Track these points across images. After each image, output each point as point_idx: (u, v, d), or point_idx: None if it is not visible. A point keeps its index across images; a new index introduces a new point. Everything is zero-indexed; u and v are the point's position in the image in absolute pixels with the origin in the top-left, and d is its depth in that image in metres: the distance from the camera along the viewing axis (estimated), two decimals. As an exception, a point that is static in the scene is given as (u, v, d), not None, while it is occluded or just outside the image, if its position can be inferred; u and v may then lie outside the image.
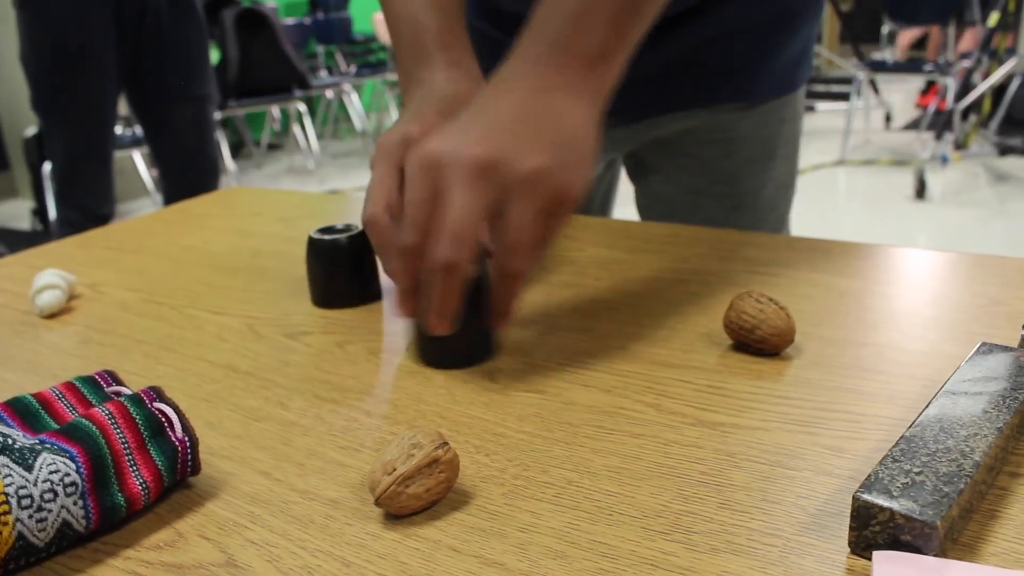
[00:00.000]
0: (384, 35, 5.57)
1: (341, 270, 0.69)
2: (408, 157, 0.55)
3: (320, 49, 6.09)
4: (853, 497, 0.36)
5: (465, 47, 0.70)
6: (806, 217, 3.81)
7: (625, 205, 1.04)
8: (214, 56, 4.53)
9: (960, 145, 4.48)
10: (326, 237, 0.69)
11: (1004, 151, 4.41)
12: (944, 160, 4.33)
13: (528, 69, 0.57)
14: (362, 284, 0.70)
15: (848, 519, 0.39)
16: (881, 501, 0.36)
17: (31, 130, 4.07)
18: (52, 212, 3.77)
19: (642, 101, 0.90)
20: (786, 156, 0.94)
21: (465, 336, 0.57)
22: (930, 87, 5.92)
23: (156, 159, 2.55)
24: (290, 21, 5.62)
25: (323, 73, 6.04)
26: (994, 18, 4.31)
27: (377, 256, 0.61)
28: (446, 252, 0.51)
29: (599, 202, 1.06)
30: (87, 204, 2.36)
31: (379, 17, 5.49)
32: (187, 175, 2.50)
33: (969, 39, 5.43)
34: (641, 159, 0.98)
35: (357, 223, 0.70)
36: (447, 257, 0.51)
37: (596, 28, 0.56)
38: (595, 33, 0.56)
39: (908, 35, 6.08)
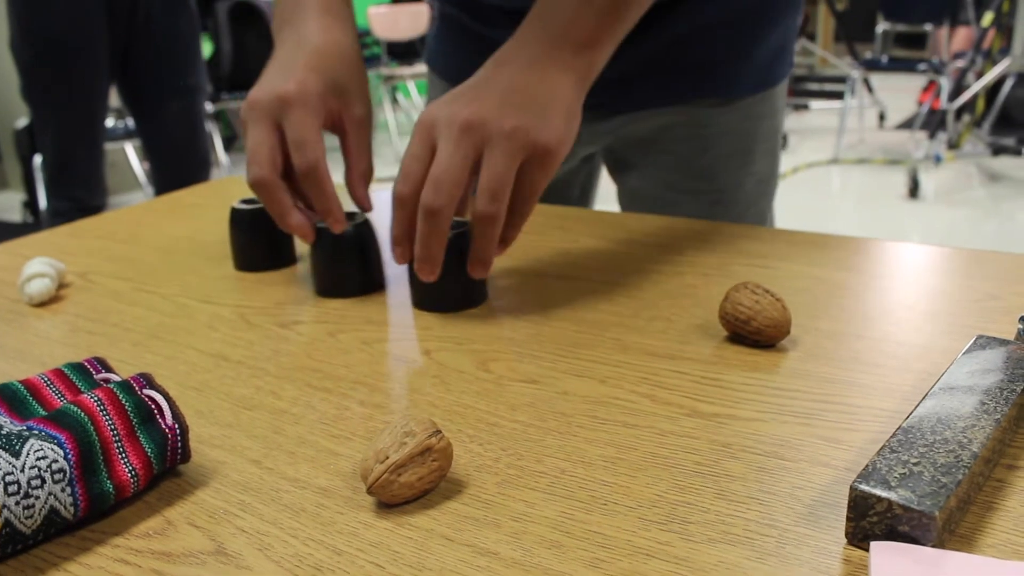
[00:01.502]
0: (379, 30, 5.56)
1: (260, 238, 0.75)
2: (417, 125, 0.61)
3: (314, 43, 6.06)
4: (851, 487, 0.36)
5: None
6: (799, 215, 3.82)
7: (610, 203, 1.04)
8: (208, 49, 4.51)
9: (953, 145, 4.49)
10: (247, 207, 0.75)
11: (997, 151, 4.42)
12: (938, 159, 4.33)
13: (524, 49, 0.63)
14: (277, 251, 0.76)
15: (845, 510, 0.39)
16: (879, 491, 0.35)
17: (22, 122, 4.04)
18: (43, 204, 3.75)
19: (619, 97, 0.90)
20: (765, 152, 0.94)
21: (453, 283, 0.63)
22: (930, 83, 5.93)
23: (147, 151, 2.54)
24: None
25: (317, 67, 6.00)
26: (988, 18, 4.31)
27: (272, 215, 0.67)
28: (429, 198, 0.58)
29: (577, 196, 1.05)
30: (78, 195, 2.35)
31: (373, 11, 5.48)
32: (178, 167, 2.49)
33: (963, 38, 5.43)
34: (620, 155, 0.98)
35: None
36: (430, 202, 0.58)
37: (588, 17, 0.62)
38: (587, 21, 0.62)
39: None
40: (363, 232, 0.69)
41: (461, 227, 0.63)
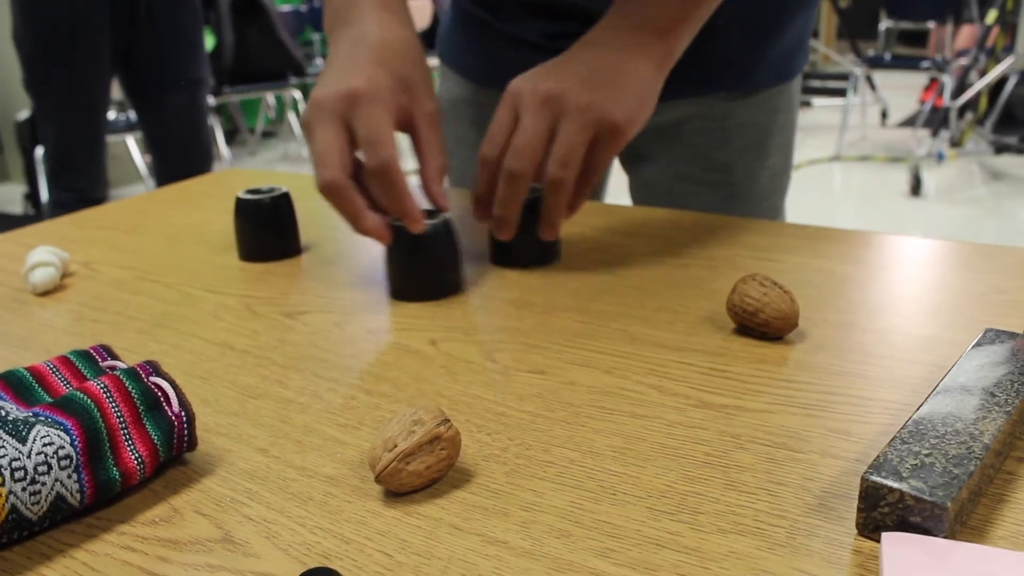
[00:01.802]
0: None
1: (265, 229, 0.76)
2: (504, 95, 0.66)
3: (316, 36, 6.06)
4: (862, 478, 0.36)
5: None
6: (801, 212, 3.82)
7: (620, 196, 1.03)
8: (210, 42, 4.51)
9: (956, 142, 4.49)
10: (252, 197, 0.76)
11: (1000, 149, 4.42)
12: (940, 157, 4.33)
13: (610, 34, 0.68)
14: (282, 242, 0.77)
15: (855, 501, 0.39)
16: (890, 482, 0.35)
17: (23, 114, 4.04)
18: (44, 196, 3.74)
19: None
20: (781, 145, 0.94)
21: (528, 243, 0.69)
22: (932, 82, 5.92)
23: (149, 144, 2.54)
24: (286, 8, 5.59)
25: (319, 60, 6.00)
26: (992, 16, 4.31)
27: (345, 219, 0.63)
28: (511, 163, 0.63)
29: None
30: (80, 187, 2.34)
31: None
32: (180, 160, 2.49)
33: (966, 36, 5.42)
34: (635, 147, 0.97)
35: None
36: (511, 167, 0.63)
37: (672, 4, 0.67)
38: (670, 8, 0.67)
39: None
40: (443, 231, 0.65)
41: (537, 192, 0.68)
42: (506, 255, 0.71)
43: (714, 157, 0.91)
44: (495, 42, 0.67)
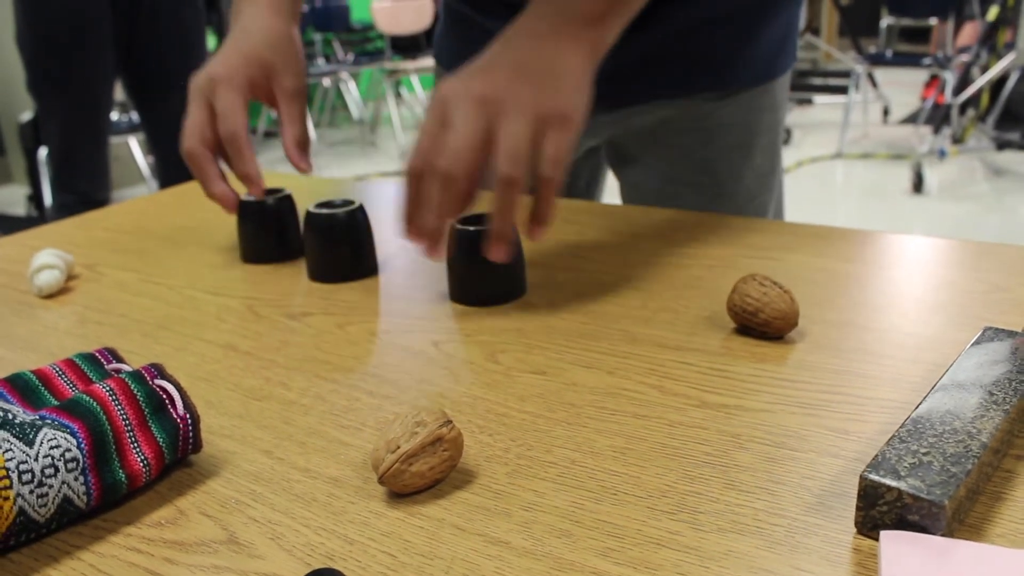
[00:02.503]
0: (382, 24, 5.55)
1: (339, 245, 0.71)
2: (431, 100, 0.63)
3: (318, 37, 6.06)
4: (860, 476, 0.36)
5: None
6: (803, 209, 3.81)
7: (613, 199, 1.04)
8: (212, 43, 4.51)
9: (958, 139, 4.48)
10: (323, 211, 0.71)
11: (1002, 146, 4.41)
12: (942, 154, 4.33)
13: (536, 24, 0.64)
14: (358, 259, 0.72)
15: (854, 500, 0.39)
16: (889, 481, 0.36)
17: (26, 115, 4.04)
18: (48, 198, 3.75)
19: (620, 89, 0.89)
20: (766, 145, 0.94)
21: (490, 277, 0.64)
22: (933, 79, 5.91)
23: (152, 145, 2.54)
24: (288, 9, 5.58)
25: (320, 61, 6.01)
26: (993, 12, 4.30)
27: (200, 183, 0.75)
28: (443, 164, 0.58)
29: (583, 189, 1.05)
30: (83, 189, 2.34)
31: (378, 6, 5.47)
32: (182, 161, 2.49)
33: (969, 33, 5.42)
34: (621, 148, 0.98)
35: (356, 199, 0.72)
36: (444, 168, 0.57)
37: None
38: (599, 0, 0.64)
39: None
40: (284, 206, 0.76)
41: (484, 222, 0.63)
42: (467, 292, 0.65)
43: (699, 158, 0.92)
44: (483, 40, 0.67)
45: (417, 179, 0.60)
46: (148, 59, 2.36)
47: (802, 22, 0.99)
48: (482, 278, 0.64)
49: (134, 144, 4.31)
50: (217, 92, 0.74)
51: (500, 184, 0.58)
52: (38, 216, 4.12)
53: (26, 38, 2.23)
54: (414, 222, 0.61)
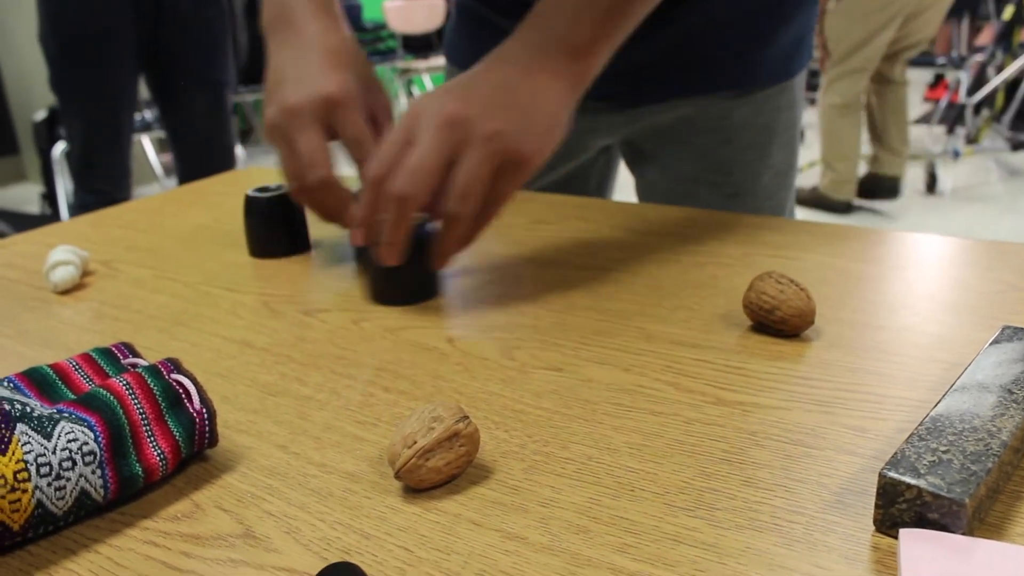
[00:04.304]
0: (395, 23, 5.56)
1: (275, 226, 0.77)
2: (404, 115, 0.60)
3: (330, 36, 6.06)
4: (879, 474, 0.36)
5: None
6: (815, 209, 3.80)
7: (628, 196, 1.03)
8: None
9: (972, 139, 4.46)
10: (262, 195, 0.76)
11: (1016, 146, 4.39)
12: (956, 154, 4.30)
13: (521, 51, 0.63)
14: (293, 238, 0.78)
15: (872, 498, 0.39)
16: (908, 479, 0.35)
17: (40, 114, 4.07)
18: (61, 196, 3.77)
19: (636, 88, 0.89)
20: (784, 144, 0.93)
21: (409, 276, 0.64)
22: (938, 81, 5.88)
23: (172, 143, 2.55)
24: (300, 8, 5.59)
25: (332, 60, 6.01)
26: (1009, 11, 4.28)
27: (327, 216, 0.68)
28: (401, 184, 0.57)
29: (594, 187, 1.05)
30: (103, 189, 2.36)
31: (390, 5, 5.48)
32: (204, 160, 2.49)
33: (987, 34, 5.39)
34: (638, 147, 0.98)
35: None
36: (401, 189, 0.57)
37: (587, 23, 0.62)
38: (585, 27, 0.62)
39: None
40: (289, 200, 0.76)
41: (422, 221, 0.63)
42: (381, 290, 0.65)
43: (716, 157, 0.92)
44: (496, 38, 0.66)
45: (375, 187, 0.60)
46: (172, 59, 2.37)
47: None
48: (394, 277, 0.64)
49: (147, 142, 4.33)
50: (339, 115, 0.66)
51: (447, 218, 0.59)
52: (52, 214, 4.15)
53: (49, 37, 2.24)
54: (365, 230, 0.61)
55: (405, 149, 0.59)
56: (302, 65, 0.67)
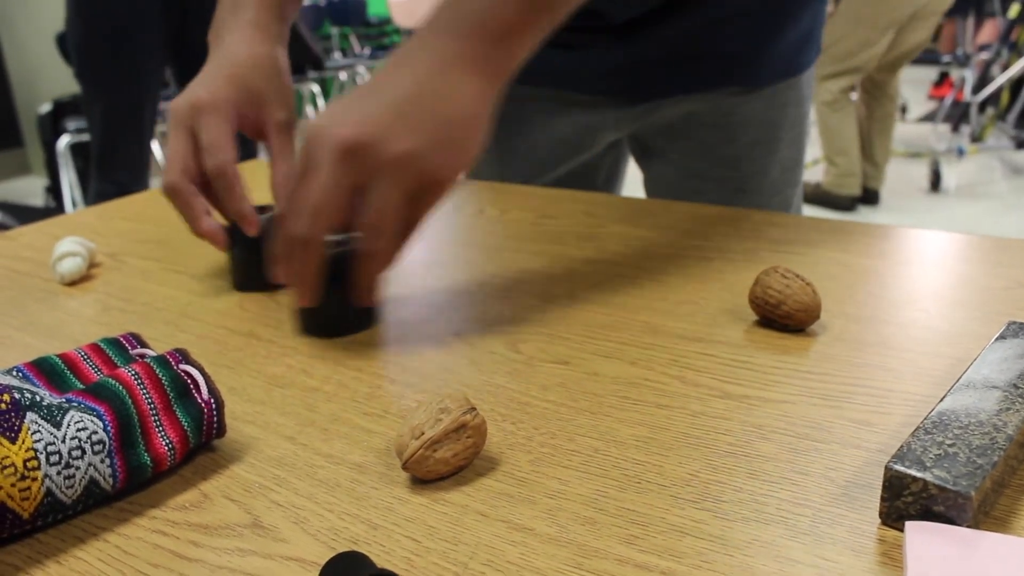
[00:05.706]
0: (399, 18, 5.56)
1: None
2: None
3: (334, 31, 6.08)
4: (885, 467, 0.36)
5: (271, 5, 0.72)
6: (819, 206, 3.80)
7: (636, 191, 1.04)
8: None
9: (977, 138, 4.45)
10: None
11: (1021, 144, 4.38)
12: (960, 152, 4.30)
13: (432, 40, 0.55)
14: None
15: (878, 491, 0.39)
16: (914, 471, 0.35)
17: (45, 107, 4.07)
18: (65, 189, 3.78)
19: (643, 84, 0.89)
20: (791, 140, 0.94)
21: (336, 308, 0.59)
22: (943, 79, 5.87)
23: None
24: (305, 2, 5.59)
25: (337, 55, 6.02)
26: (1015, 10, 4.27)
27: (185, 221, 0.66)
28: (302, 227, 0.52)
29: (603, 182, 1.05)
30: (122, 179, 2.37)
31: (394, 0, 5.48)
32: None
33: (989, 30, 5.38)
34: (645, 142, 0.98)
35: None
36: (302, 232, 0.52)
37: (509, 2, 0.54)
38: (507, 6, 0.54)
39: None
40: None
41: (343, 244, 0.57)
42: (314, 324, 0.60)
43: (723, 152, 0.92)
44: None
45: (279, 226, 0.55)
46: (198, 50, 2.37)
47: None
48: (318, 310, 0.59)
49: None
50: (202, 121, 0.65)
51: (363, 255, 0.54)
52: (56, 207, 4.15)
53: (76, 26, 2.25)
54: (283, 267, 0.55)
55: (306, 183, 0.52)
56: (203, 75, 0.69)
